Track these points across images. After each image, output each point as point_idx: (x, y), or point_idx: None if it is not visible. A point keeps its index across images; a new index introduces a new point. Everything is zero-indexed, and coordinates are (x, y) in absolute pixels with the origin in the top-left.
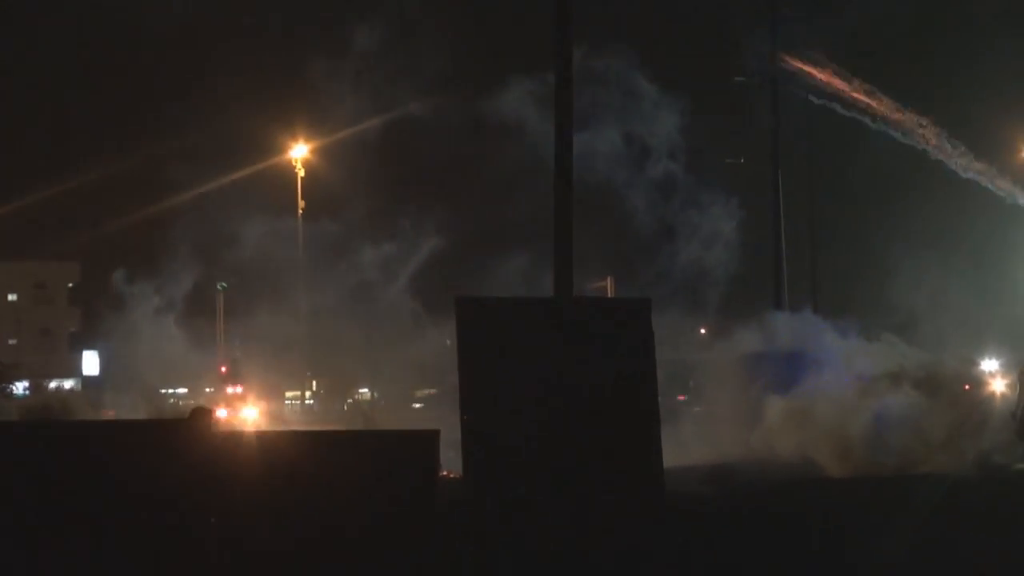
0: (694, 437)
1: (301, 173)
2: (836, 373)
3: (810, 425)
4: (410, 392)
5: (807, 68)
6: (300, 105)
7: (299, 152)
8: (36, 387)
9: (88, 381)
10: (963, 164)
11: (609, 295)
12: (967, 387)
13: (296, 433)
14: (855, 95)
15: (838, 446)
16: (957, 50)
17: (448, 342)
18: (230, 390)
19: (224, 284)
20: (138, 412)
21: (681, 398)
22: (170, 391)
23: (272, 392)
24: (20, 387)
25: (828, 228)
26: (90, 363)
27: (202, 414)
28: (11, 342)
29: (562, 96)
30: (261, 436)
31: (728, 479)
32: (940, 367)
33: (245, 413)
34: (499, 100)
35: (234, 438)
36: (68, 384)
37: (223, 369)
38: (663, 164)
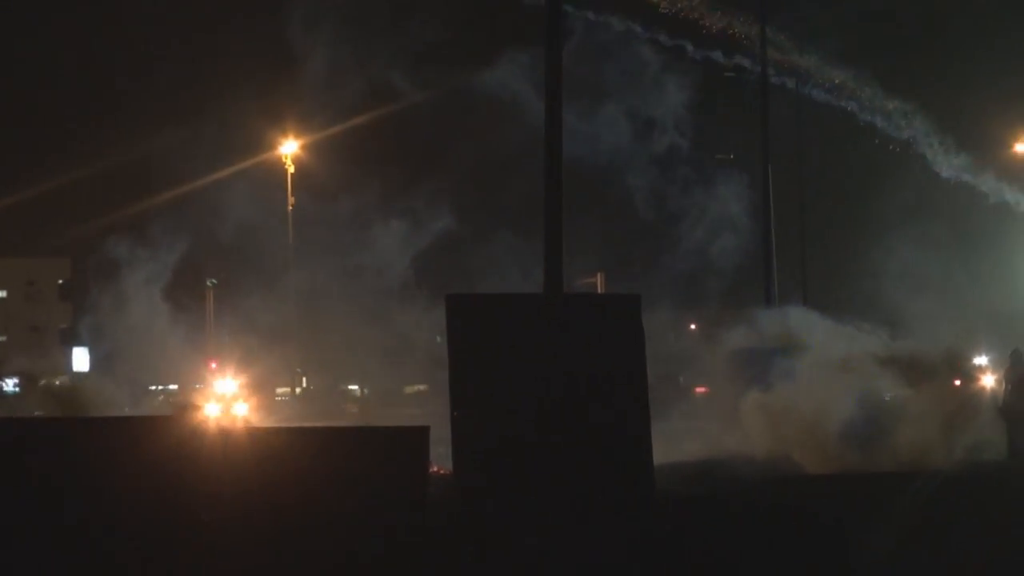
0: (680, 433)
1: (291, 170)
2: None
3: (784, 420)
4: (401, 388)
5: (796, 59)
6: (290, 95)
7: (289, 148)
8: (27, 383)
9: (78, 378)
10: (946, 161)
11: (600, 291)
12: (958, 382)
13: (286, 429)
14: (844, 84)
15: (812, 442)
16: (951, 42)
17: (439, 338)
18: (219, 386)
19: (214, 280)
20: (132, 408)
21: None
22: (160, 387)
23: (262, 387)
24: (10, 383)
25: (820, 223)
26: (80, 360)
27: (190, 410)
28: (0, 339)
29: (553, 108)
30: (251, 432)
31: (702, 477)
32: (928, 358)
33: (235, 409)
34: (498, 80)
35: (223, 434)
36: (58, 381)
37: (213, 365)
38: (661, 151)
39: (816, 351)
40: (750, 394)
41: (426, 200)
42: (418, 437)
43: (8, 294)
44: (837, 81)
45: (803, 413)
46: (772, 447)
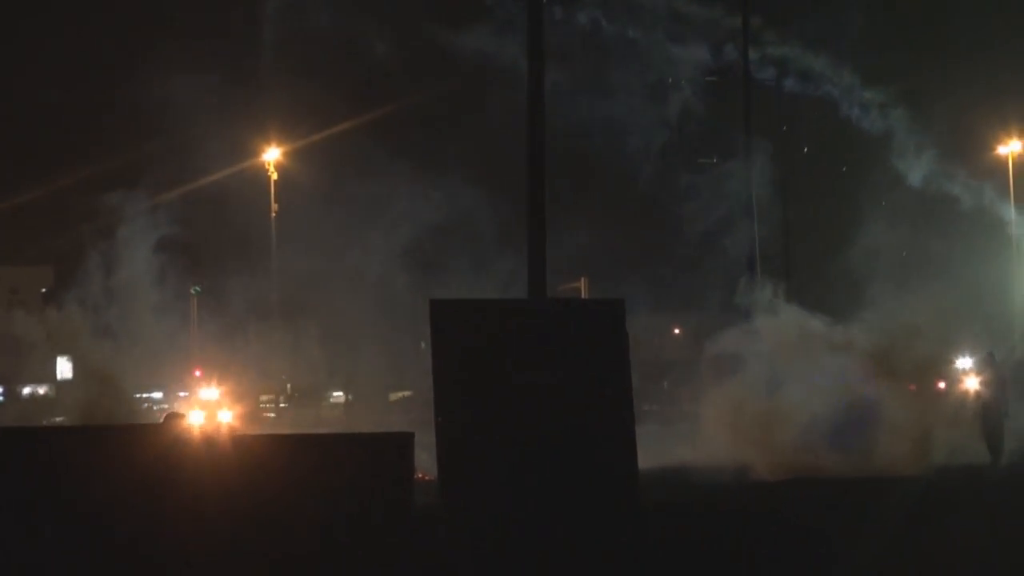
0: (663, 438)
1: (274, 176)
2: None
3: (746, 424)
4: (386, 394)
5: (778, 51)
6: (270, 99)
7: (272, 155)
8: (11, 392)
9: (62, 386)
10: (920, 164)
11: (583, 296)
12: (942, 384)
13: (270, 437)
14: (826, 76)
15: (772, 446)
16: (942, 41)
17: (423, 344)
18: (204, 393)
19: (198, 288)
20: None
21: None
22: (144, 395)
23: (246, 395)
24: None
25: (805, 226)
26: (64, 368)
27: (176, 418)
28: None
29: (535, 114)
30: (236, 440)
31: (678, 482)
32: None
33: (220, 416)
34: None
35: (209, 442)
36: (42, 390)
37: (197, 372)
38: (648, 155)
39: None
40: (708, 396)
41: (412, 202)
42: (403, 443)
43: None
44: (818, 71)
45: (760, 416)
46: (736, 452)
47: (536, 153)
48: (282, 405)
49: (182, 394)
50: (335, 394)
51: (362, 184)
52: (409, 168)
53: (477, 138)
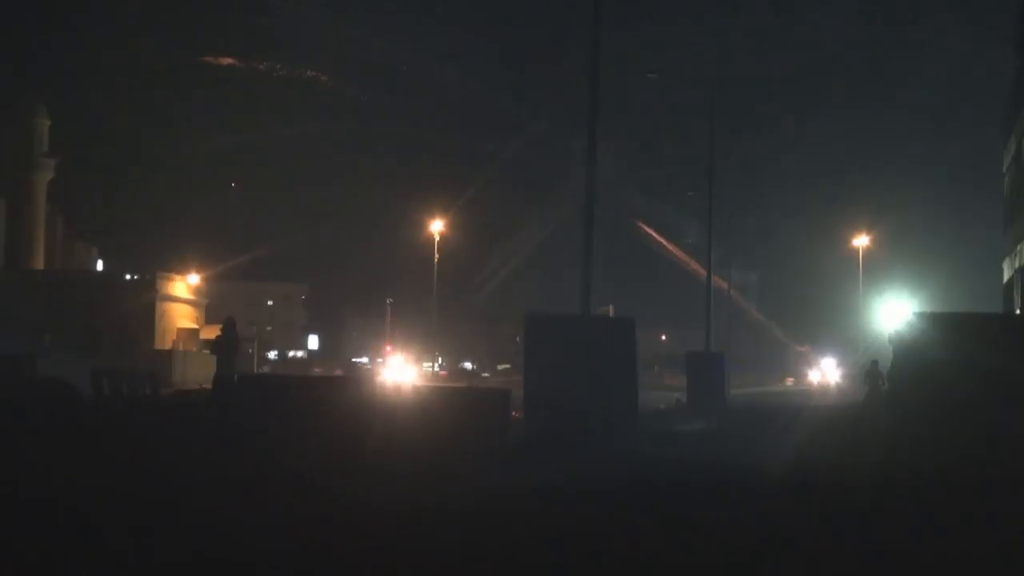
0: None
1: None
2: None
3: None
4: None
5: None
6: None
7: None
8: (282, 354)
9: (311, 353)
10: None
11: (611, 315)
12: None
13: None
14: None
15: None
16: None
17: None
18: (391, 361)
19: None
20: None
21: None
22: (356, 360)
23: None
24: (272, 354)
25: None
26: (312, 342)
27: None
28: (268, 328)
29: (590, 159)
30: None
31: None
32: None
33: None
34: None
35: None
36: (300, 354)
37: (388, 348)
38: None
39: None
40: None
41: None
42: None
43: (273, 303)
44: None
45: None
46: None
47: (589, 208)
48: None
49: (379, 360)
50: None
51: None
52: None
53: None
